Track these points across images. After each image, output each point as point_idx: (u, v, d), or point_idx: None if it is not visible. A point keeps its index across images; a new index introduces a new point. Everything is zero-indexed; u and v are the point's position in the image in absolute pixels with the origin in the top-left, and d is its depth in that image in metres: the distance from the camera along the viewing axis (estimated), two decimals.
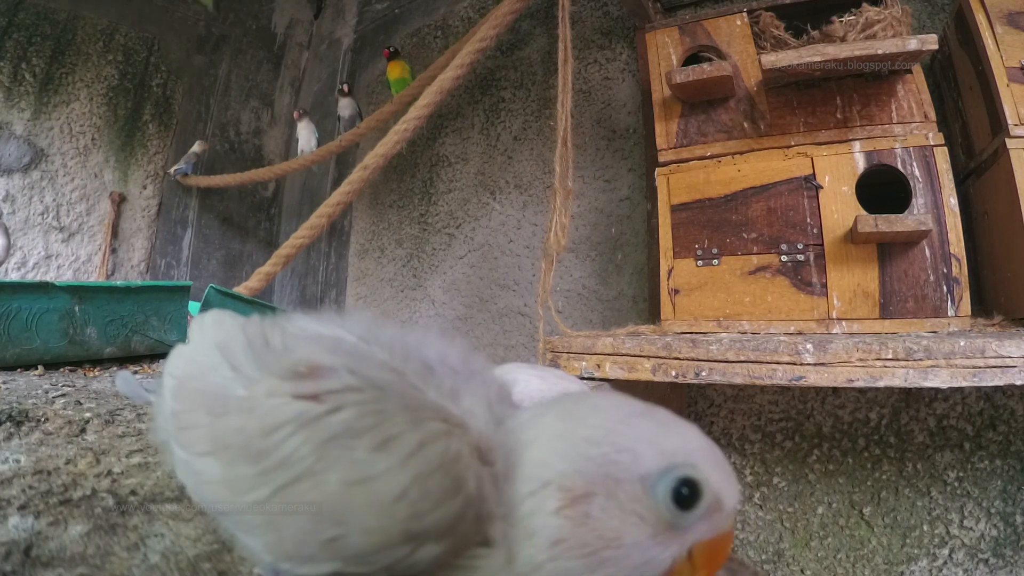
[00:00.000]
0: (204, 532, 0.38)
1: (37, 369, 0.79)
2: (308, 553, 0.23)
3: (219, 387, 0.26)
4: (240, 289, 1.43)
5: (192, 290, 1.01)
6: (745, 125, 1.02)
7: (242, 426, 0.24)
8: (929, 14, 1.13)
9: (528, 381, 0.46)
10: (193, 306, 1.02)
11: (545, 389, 0.44)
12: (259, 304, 1.11)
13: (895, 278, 0.88)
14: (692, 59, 1.09)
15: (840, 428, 1.06)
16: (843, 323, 0.89)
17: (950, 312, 0.85)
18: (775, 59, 0.91)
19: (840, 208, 0.91)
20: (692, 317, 0.99)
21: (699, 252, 1.00)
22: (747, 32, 1.04)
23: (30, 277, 1.82)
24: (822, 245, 0.91)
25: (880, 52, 0.86)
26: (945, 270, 0.86)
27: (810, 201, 0.93)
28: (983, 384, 0.64)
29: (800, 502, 1.07)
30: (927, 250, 0.87)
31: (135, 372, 0.86)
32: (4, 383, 0.68)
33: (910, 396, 1.02)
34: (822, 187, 0.92)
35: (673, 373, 0.77)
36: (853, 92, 0.96)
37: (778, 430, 1.11)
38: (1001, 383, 0.63)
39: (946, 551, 0.97)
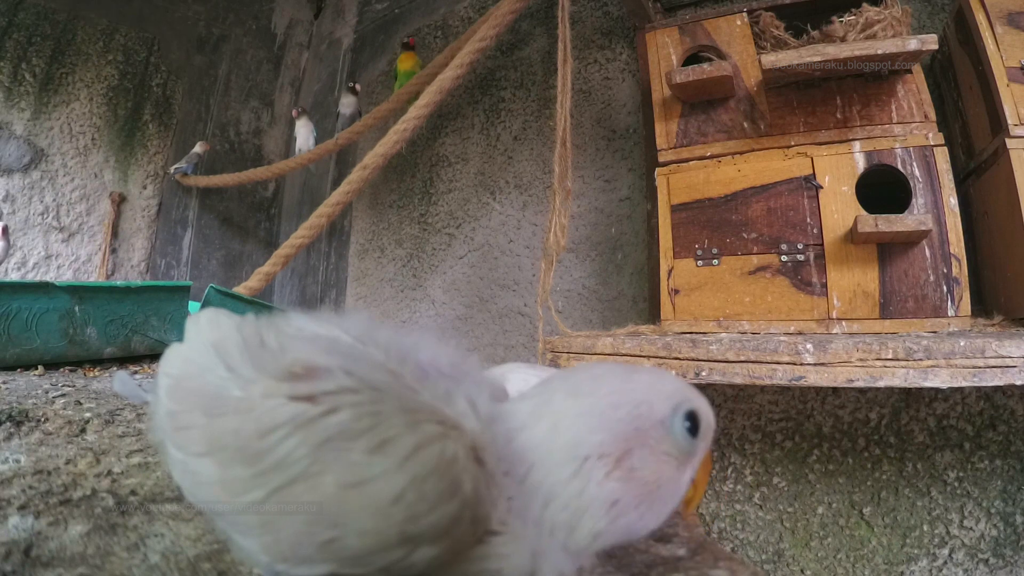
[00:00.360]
0: (204, 532, 0.38)
1: (37, 369, 0.79)
2: (305, 554, 0.23)
3: (215, 387, 0.26)
4: (240, 289, 1.43)
5: (192, 290, 1.01)
6: (745, 125, 1.02)
7: (238, 427, 0.24)
8: (929, 14, 1.13)
9: (527, 381, 0.45)
10: (193, 306, 1.02)
11: None
12: (259, 304, 1.11)
13: (895, 278, 0.88)
14: (692, 59, 1.09)
15: (840, 428, 1.06)
16: (843, 323, 0.89)
17: (950, 312, 0.85)
18: (775, 59, 0.91)
19: (840, 208, 0.91)
20: (692, 317, 0.99)
21: (699, 252, 1.00)
22: (747, 32, 1.04)
23: (30, 277, 1.82)
24: (822, 245, 0.91)
25: (880, 52, 0.86)
26: (945, 270, 0.86)
27: (810, 201, 0.93)
28: (983, 384, 0.64)
29: (800, 502, 1.07)
30: (927, 250, 0.87)
31: (135, 372, 0.86)
32: (4, 383, 0.69)
33: (910, 396, 1.02)
34: (822, 187, 0.92)
35: (673, 373, 0.77)
36: (853, 92, 0.96)
37: (778, 430, 1.11)
38: (1001, 383, 0.63)
39: (946, 551, 0.96)
